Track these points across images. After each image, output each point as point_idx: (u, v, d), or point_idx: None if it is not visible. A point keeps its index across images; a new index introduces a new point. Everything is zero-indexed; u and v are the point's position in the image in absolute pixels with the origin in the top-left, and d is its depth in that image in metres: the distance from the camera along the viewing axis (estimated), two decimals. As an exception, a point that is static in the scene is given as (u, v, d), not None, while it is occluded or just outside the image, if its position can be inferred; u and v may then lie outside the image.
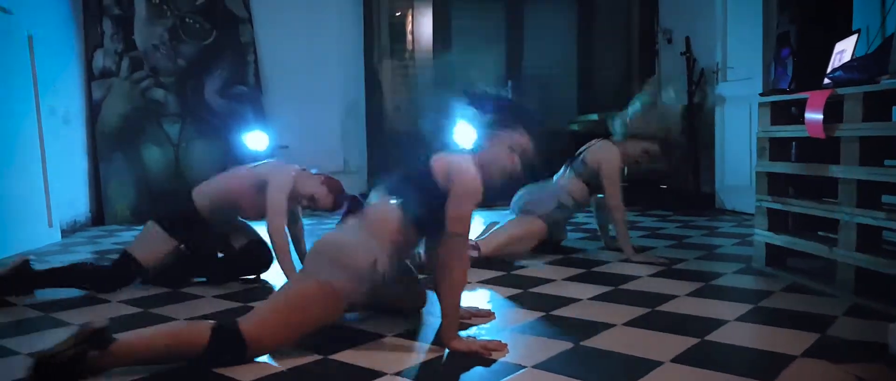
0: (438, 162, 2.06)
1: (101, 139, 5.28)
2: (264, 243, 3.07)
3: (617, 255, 3.45)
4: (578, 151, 3.61)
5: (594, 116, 5.74)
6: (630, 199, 5.60)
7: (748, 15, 5.01)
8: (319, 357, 1.94)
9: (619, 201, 3.39)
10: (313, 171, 3.07)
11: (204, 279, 3.06)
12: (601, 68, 6.65)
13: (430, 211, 2.02)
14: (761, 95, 3.23)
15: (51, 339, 2.21)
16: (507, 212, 3.61)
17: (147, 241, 2.98)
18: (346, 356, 1.95)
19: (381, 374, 1.80)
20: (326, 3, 6.06)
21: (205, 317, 2.40)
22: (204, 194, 3.00)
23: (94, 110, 5.29)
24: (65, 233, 4.66)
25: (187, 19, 5.56)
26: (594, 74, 6.64)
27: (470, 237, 2.12)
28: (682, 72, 5.83)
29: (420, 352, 2.01)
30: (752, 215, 4.82)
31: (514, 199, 3.59)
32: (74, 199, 5.01)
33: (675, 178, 5.82)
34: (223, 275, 3.07)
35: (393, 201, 2.08)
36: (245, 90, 5.66)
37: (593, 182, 3.50)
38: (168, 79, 5.49)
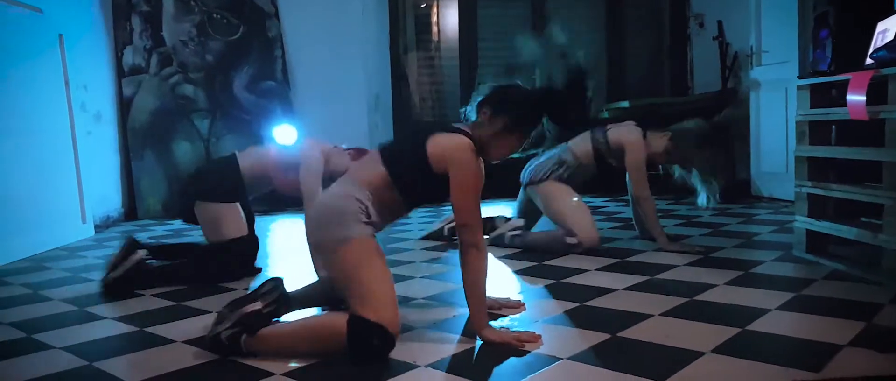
0: (434, 147, 1.98)
1: (133, 135, 5.33)
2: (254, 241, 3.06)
3: (651, 245, 3.38)
4: (607, 126, 3.51)
5: (625, 104, 5.64)
6: (664, 187, 5.55)
7: (783, -4, 4.87)
8: (351, 350, 1.92)
9: (646, 191, 3.31)
10: (343, 146, 3.12)
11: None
12: (631, 55, 6.53)
13: (413, 178, 1.99)
14: (800, 77, 3.13)
15: (88, 332, 2.24)
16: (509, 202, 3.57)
17: (220, 219, 2.96)
18: (378, 349, 1.92)
19: (413, 366, 1.77)
20: (353, -4, 6.04)
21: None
22: (246, 157, 3.07)
23: (124, 107, 5.34)
24: (98, 228, 4.71)
25: (215, 15, 5.57)
26: (624, 61, 6.52)
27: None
28: (714, 57, 5.70)
29: (451, 344, 1.97)
30: (790, 201, 4.76)
31: (523, 172, 3.55)
32: (107, 195, 5.07)
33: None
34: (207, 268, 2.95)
35: (376, 154, 2.06)
36: (273, 85, 5.67)
37: (606, 157, 3.41)
38: (197, 74, 5.52)
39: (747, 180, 5.38)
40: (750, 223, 3.99)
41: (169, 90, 5.45)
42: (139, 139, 5.34)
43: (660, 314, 2.16)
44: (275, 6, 5.72)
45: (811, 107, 2.92)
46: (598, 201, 5.30)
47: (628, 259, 3.06)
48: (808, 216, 2.95)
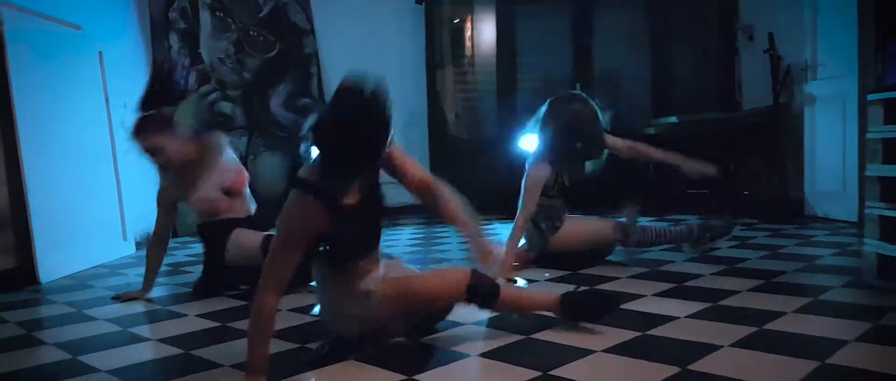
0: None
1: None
2: None
3: (709, 267, 3.22)
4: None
5: (673, 119, 5.48)
6: (714, 206, 5.38)
7: (841, 8, 4.69)
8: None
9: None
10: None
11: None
12: (676, 69, 6.34)
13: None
14: (868, 92, 2.96)
15: (133, 355, 2.18)
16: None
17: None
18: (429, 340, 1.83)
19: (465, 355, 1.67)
20: (387, 13, 6.01)
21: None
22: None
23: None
24: (139, 245, 4.69)
25: (251, 32, 5.57)
26: (669, 75, 6.33)
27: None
28: (764, 70, 5.51)
29: (502, 336, 1.86)
30: (849, 222, 4.56)
31: None
32: (147, 212, 5.02)
33: (759, 183, 5.51)
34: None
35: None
36: (309, 102, 5.63)
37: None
38: (234, 92, 5.51)
39: (800, 200, 5.17)
40: (808, 245, 3.81)
41: (207, 108, 5.45)
42: (179, 156, 5.32)
43: (729, 345, 2.02)
44: (311, 23, 5.71)
45: (885, 123, 2.75)
46: (645, 220, 5.13)
47: (686, 284, 2.90)
48: (880, 239, 2.77)
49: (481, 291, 2.08)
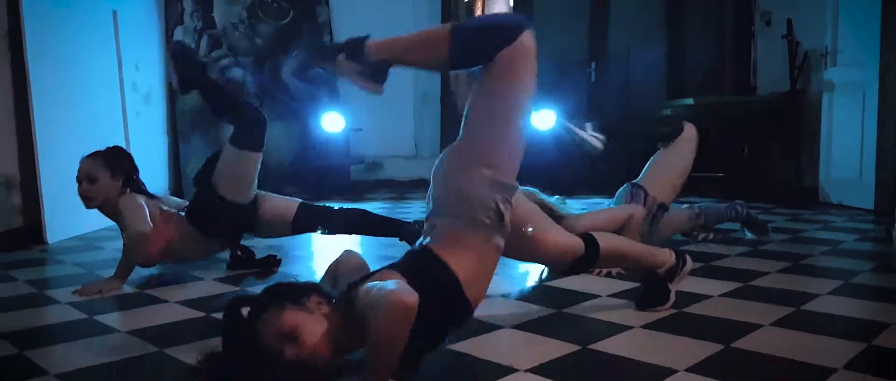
0: None
1: (181, 118, 5.24)
2: None
3: (733, 248, 3.17)
4: None
5: (689, 101, 5.41)
6: (729, 190, 5.33)
7: (863, -7, 4.62)
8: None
9: None
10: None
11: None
12: (693, 51, 6.28)
13: None
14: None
15: (152, 316, 2.12)
16: None
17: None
18: (467, 347, 1.77)
19: (511, 370, 1.62)
20: (404, -16, 5.90)
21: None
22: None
23: (173, 88, 5.25)
24: (146, 211, 4.62)
25: (266, -2, 5.47)
26: (684, 57, 6.27)
27: None
28: (780, 55, 5.44)
29: (549, 346, 1.80)
30: (865, 209, 4.52)
31: None
32: (154, 177, 4.98)
33: (775, 170, 5.47)
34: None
35: None
36: (320, 72, 5.52)
37: None
38: (246, 58, 5.41)
39: (814, 187, 5.13)
40: (828, 230, 3.76)
41: (218, 73, 5.35)
42: (187, 122, 5.25)
43: (769, 324, 1.97)
44: (326, -9, 5.60)
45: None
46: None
47: (713, 263, 2.86)
48: (912, 225, 2.73)
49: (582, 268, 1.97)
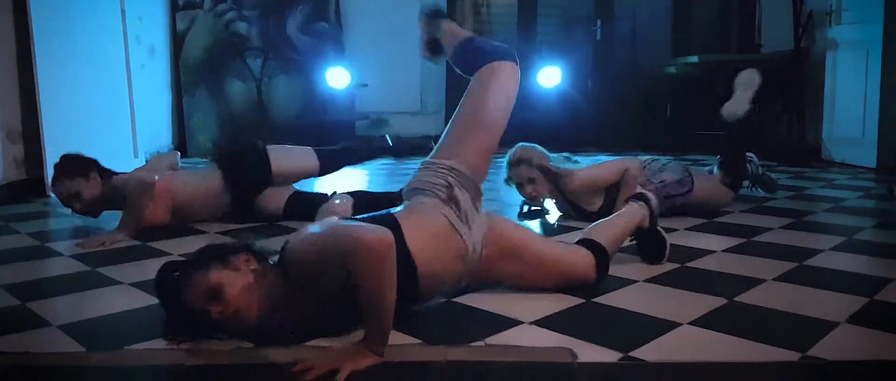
0: None
1: (185, 71, 5.20)
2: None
3: (738, 205, 3.17)
4: None
5: (694, 58, 5.37)
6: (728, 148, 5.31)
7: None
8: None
9: None
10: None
11: None
12: (697, 9, 6.21)
13: None
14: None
15: (151, 269, 2.13)
16: None
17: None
18: (473, 300, 1.79)
19: (517, 322, 1.64)
20: (409, -64, 5.78)
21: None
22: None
23: (178, 42, 5.21)
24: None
25: (271, -49, 5.38)
26: (689, 15, 6.21)
27: None
28: (785, 14, 5.38)
29: (556, 303, 1.82)
30: (867, 168, 4.52)
31: None
32: (158, 130, 4.98)
33: (778, 128, 5.46)
34: None
35: None
36: (326, 27, 5.49)
37: None
38: (251, 12, 5.35)
39: (816, 145, 5.12)
40: (831, 188, 3.77)
41: (223, 27, 5.30)
42: (191, 76, 5.22)
43: (773, 279, 1.99)
44: (330, -56, 5.51)
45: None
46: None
47: (716, 220, 2.87)
48: (916, 183, 2.74)
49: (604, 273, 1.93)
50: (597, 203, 2.83)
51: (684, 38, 6.15)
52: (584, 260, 1.89)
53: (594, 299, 1.82)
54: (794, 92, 5.35)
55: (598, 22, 6.04)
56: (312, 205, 2.79)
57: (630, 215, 2.13)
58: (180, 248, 2.41)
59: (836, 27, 4.93)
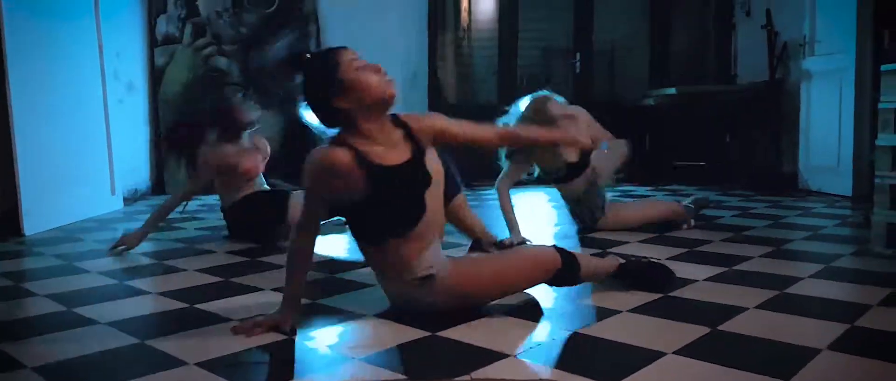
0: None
1: (163, 107, 5.18)
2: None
3: (713, 234, 3.20)
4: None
5: (672, 91, 5.45)
6: (710, 178, 5.39)
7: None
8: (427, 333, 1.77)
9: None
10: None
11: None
12: (675, 41, 6.32)
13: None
14: (874, 65, 2.95)
15: (134, 308, 2.11)
16: None
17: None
18: (458, 333, 1.77)
19: (506, 355, 1.62)
20: (390, -27, 5.85)
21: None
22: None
23: (156, 77, 5.19)
24: (126, 201, 4.57)
25: (250, -14, 5.41)
26: (667, 47, 6.31)
27: None
28: (760, 45, 5.50)
29: (541, 332, 1.81)
30: (842, 196, 4.58)
31: None
32: (136, 167, 4.94)
33: (755, 158, 5.54)
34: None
35: None
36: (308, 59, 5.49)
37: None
38: (230, 47, 5.36)
39: (794, 174, 5.19)
40: (809, 216, 3.81)
41: (202, 62, 5.29)
42: (170, 111, 5.19)
43: (755, 307, 2.00)
44: (310, -20, 5.55)
45: (900, 93, 2.73)
46: (642, 190, 5.12)
47: (697, 249, 2.89)
48: (891, 209, 2.77)
49: (570, 270, 1.99)
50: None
51: (663, 70, 6.24)
52: (548, 249, 2.02)
53: (579, 330, 1.81)
54: (769, 122, 5.44)
55: (578, 55, 6.12)
56: None
57: (607, 264, 2.20)
58: (161, 286, 2.38)
59: (809, 58, 5.03)
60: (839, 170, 4.72)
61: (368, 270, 2.11)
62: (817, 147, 4.97)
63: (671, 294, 2.15)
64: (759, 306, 2.01)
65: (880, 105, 2.85)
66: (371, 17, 5.73)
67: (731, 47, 6.12)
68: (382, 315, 1.96)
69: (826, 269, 2.51)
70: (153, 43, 5.18)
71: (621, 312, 1.97)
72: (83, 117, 4.06)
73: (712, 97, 5.59)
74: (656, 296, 2.13)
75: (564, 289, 2.13)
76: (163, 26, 5.20)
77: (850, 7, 4.58)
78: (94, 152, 4.17)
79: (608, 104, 5.95)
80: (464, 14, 6.23)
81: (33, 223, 3.45)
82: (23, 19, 3.45)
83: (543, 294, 2.15)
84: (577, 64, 6.11)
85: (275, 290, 2.25)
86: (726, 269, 2.50)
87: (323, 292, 2.22)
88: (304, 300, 1.99)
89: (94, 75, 4.23)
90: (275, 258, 2.79)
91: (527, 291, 2.11)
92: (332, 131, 1.87)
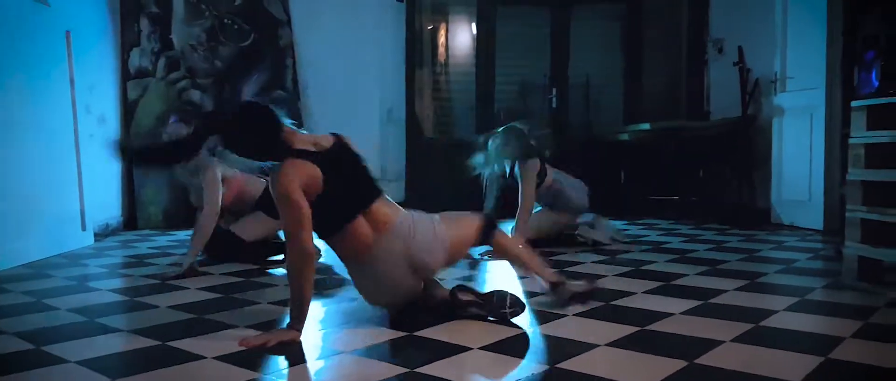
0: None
1: (136, 140, 5.12)
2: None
3: (692, 268, 3.22)
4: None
5: (646, 126, 5.52)
6: (684, 212, 5.44)
7: (810, 22, 4.79)
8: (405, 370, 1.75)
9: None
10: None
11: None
12: (649, 78, 6.43)
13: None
14: (844, 101, 3.01)
15: (105, 346, 2.05)
16: None
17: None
18: (434, 370, 1.75)
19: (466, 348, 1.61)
20: (367, 9, 5.90)
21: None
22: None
23: (129, 110, 5.15)
24: (97, 237, 4.49)
25: (226, 20, 5.42)
26: (641, 84, 6.42)
27: None
28: (732, 82, 5.61)
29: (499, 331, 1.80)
30: (814, 230, 4.65)
31: None
32: (107, 202, 4.86)
33: (728, 192, 5.61)
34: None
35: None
36: (282, 94, 5.50)
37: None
38: (205, 80, 5.35)
39: (766, 209, 5.26)
40: (782, 250, 3.85)
41: (175, 95, 5.27)
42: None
43: (730, 340, 2.00)
44: (288, 14, 5.58)
45: (868, 128, 2.79)
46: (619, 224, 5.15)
47: (673, 283, 2.89)
48: (861, 242, 2.81)
49: (490, 224, 2.34)
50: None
51: (637, 106, 6.33)
52: (470, 223, 2.33)
53: (558, 365, 1.80)
54: (742, 157, 5.52)
55: (554, 90, 6.19)
56: None
57: (544, 268, 2.46)
58: (133, 323, 2.32)
59: (781, 94, 5.12)
60: (811, 204, 4.79)
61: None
62: (789, 182, 5.05)
63: (647, 327, 2.15)
64: (735, 339, 2.01)
65: (850, 140, 2.90)
66: (348, 52, 5.76)
67: (703, 84, 6.22)
68: (362, 353, 1.93)
69: (800, 302, 2.53)
70: (126, 76, 5.14)
71: (599, 346, 1.96)
72: (54, 152, 3.99)
73: (686, 133, 5.67)
74: (633, 329, 2.12)
75: (545, 323, 2.14)
76: (136, 59, 5.17)
77: (820, 44, 4.68)
78: (65, 187, 4.10)
79: (584, 139, 6.02)
80: (441, 50, 6.29)
81: (2, 259, 3.36)
82: (-7, 52, 3.42)
83: (522, 328, 2.13)
84: (554, 99, 6.17)
85: (249, 326, 2.21)
86: (702, 302, 2.51)
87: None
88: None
89: (66, 109, 4.18)
90: (249, 295, 2.75)
91: (507, 326, 2.10)
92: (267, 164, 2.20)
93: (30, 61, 3.81)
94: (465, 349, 1.94)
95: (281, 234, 3.54)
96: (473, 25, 6.29)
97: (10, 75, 3.58)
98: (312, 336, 2.11)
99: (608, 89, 6.37)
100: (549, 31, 6.32)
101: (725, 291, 2.70)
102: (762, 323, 2.20)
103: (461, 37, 6.37)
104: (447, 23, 6.31)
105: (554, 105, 6.17)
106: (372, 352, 1.93)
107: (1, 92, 3.46)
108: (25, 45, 3.77)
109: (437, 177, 5.62)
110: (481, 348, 1.95)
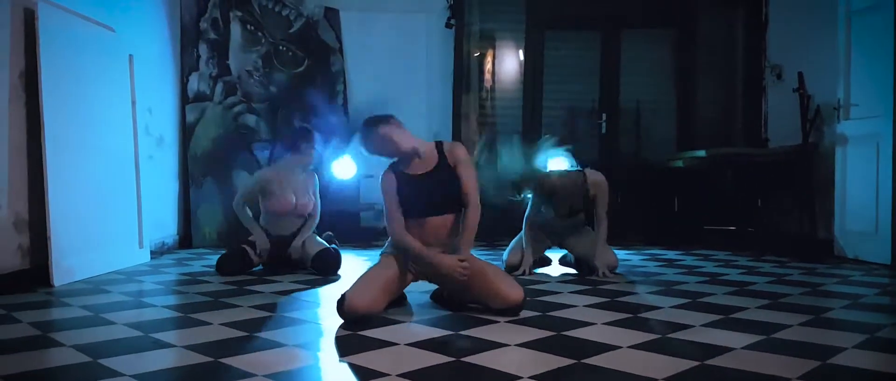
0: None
1: (192, 162, 5.25)
2: None
3: (753, 300, 3.10)
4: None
5: (701, 153, 5.39)
6: (741, 242, 5.28)
7: (875, 48, 4.63)
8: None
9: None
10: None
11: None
12: (703, 103, 6.29)
13: None
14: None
15: (159, 360, 2.07)
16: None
17: None
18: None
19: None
20: (416, 36, 5.97)
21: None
22: None
23: (187, 133, 5.28)
24: (154, 254, 4.59)
25: (281, 47, 5.54)
26: (695, 110, 6.28)
27: None
28: (792, 108, 5.44)
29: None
30: (881, 264, 4.44)
31: None
32: (164, 221, 4.97)
33: (788, 223, 5.42)
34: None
35: None
36: (334, 119, 5.57)
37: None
38: (260, 105, 5.45)
39: (829, 240, 5.06)
40: (846, 284, 3.69)
41: (231, 119, 5.39)
42: (199, 166, 5.26)
43: (797, 378, 1.90)
44: (340, 41, 5.68)
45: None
46: (672, 253, 5.02)
47: (732, 316, 2.79)
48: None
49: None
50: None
51: (690, 133, 6.20)
52: (515, 292, 2.76)
53: (583, 360, 1.73)
54: (802, 186, 5.34)
55: (603, 116, 6.12)
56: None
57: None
58: (185, 339, 2.34)
59: (844, 122, 4.94)
60: (877, 236, 4.59)
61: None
62: (854, 213, 4.85)
63: (707, 362, 2.07)
64: (802, 377, 1.91)
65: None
66: (396, 78, 5.82)
67: (761, 110, 6.07)
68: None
69: (869, 339, 2.40)
70: (185, 100, 5.29)
71: (657, 380, 1.89)
72: (114, 171, 4.11)
73: (743, 160, 5.52)
74: (693, 363, 2.04)
75: (574, 329, 2.07)
76: (195, 84, 5.31)
77: (887, 70, 4.51)
78: (124, 206, 4.21)
79: (635, 165, 5.91)
80: (487, 75, 6.29)
81: (62, 275, 3.46)
82: (59, 77, 3.54)
83: (553, 329, 2.07)
84: (603, 124, 6.10)
85: (296, 346, 2.21)
86: (765, 337, 2.40)
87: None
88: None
89: (127, 130, 4.30)
90: (298, 314, 2.76)
91: (538, 328, 2.05)
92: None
93: (96, 84, 3.94)
94: (503, 344, 1.89)
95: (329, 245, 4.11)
96: (521, 51, 6.28)
97: (75, 98, 3.71)
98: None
99: (660, 115, 6.25)
100: (599, 56, 6.25)
101: (789, 326, 2.59)
102: (830, 361, 2.09)
103: (508, 62, 6.36)
104: (494, 48, 6.31)
105: (603, 130, 6.09)
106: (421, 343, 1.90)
107: (65, 113, 3.58)
108: (91, 68, 3.90)
109: (482, 198, 5.59)
110: (516, 344, 1.90)
